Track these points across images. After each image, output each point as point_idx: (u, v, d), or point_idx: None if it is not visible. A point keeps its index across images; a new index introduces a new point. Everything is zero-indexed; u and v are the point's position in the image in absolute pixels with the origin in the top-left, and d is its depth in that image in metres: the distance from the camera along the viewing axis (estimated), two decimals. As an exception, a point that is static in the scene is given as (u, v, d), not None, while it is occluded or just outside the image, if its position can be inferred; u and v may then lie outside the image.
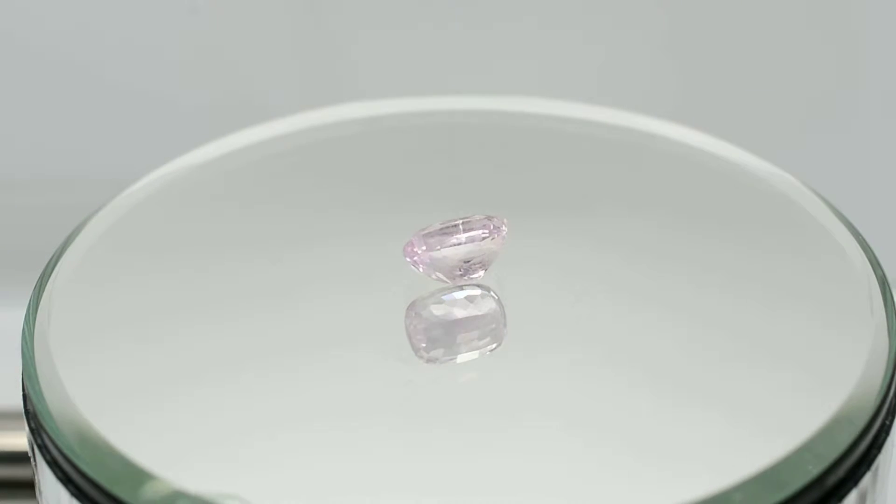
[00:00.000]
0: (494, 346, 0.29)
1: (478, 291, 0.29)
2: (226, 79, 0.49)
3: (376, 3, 0.48)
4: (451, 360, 0.28)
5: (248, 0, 0.48)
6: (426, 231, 0.30)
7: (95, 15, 0.48)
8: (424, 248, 0.30)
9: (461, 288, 0.29)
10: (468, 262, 0.30)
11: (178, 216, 0.33)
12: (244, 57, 0.49)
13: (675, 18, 0.48)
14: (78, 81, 0.49)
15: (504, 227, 0.30)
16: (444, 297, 0.29)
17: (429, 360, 0.28)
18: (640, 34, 0.48)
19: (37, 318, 0.29)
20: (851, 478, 0.27)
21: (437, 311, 0.29)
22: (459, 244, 0.30)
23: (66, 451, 0.26)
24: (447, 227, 0.30)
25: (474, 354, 0.28)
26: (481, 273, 0.30)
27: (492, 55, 0.49)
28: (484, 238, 0.30)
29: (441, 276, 0.30)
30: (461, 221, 0.30)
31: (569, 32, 0.48)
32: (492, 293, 0.29)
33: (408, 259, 0.30)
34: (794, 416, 0.27)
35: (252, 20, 0.48)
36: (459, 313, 0.29)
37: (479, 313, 0.29)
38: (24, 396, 0.28)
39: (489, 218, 0.30)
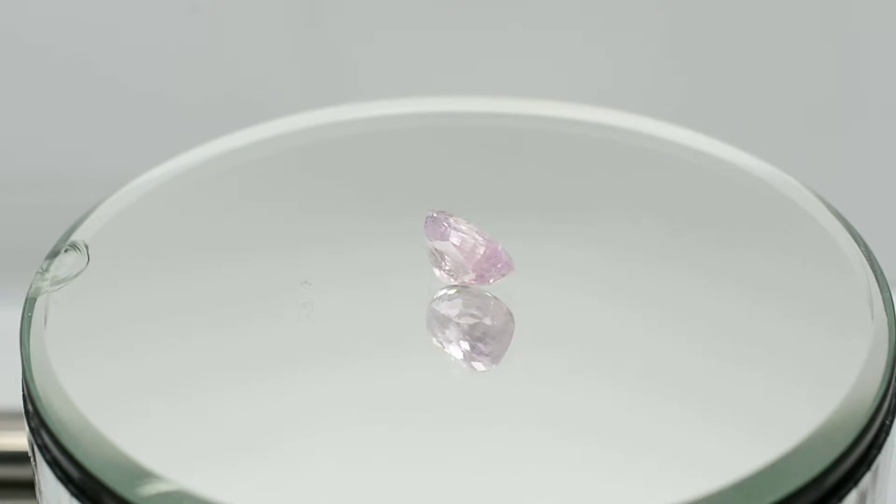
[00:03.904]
0: (485, 358, 0.29)
1: (474, 303, 0.29)
2: (226, 79, 0.49)
3: (376, 4, 0.48)
4: (449, 354, 0.29)
5: (248, 0, 0.48)
6: (437, 217, 0.30)
7: (95, 15, 0.48)
8: (426, 229, 0.30)
9: (474, 294, 0.30)
10: (444, 259, 0.30)
11: (176, 216, 0.33)
12: (244, 57, 0.49)
13: (676, 20, 0.48)
14: (78, 81, 0.49)
15: (497, 269, 0.30)
16: (440, 292, 0.29)
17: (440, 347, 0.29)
18: (641, 35, 0.48)
19: (34, 318, 0.29)
20: (851, 478, 0.27)
21: (436, 304, 0.29)
22: (444, 241, 0.30)
23: (66, 451, 0.26)
24: (446, 224, 0.30)
25: (460, 359, 0.29)
26: (461, 276, 0.30)
27: (492, 56, 0.49)
28: (476, 260, 0.30)
29: (445, 274, 0.30)
30: (473, 232, 0.30)
31: (569, 33, 0.48)
32: (488, 316, 0.29)
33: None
34: (795, 416, 0.27)
35: (252, 20, 0.48)
36: (449, 312, 0.29)
37: (459, 321, 0.29)
38: (24, 396, 0.28)
39: (493, 254, 0.30)
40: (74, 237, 0.31)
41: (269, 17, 0.48)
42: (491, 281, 0.30)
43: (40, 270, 0.28)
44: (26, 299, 0.30)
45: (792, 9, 0.48)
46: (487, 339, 0.29)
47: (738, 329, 0.29)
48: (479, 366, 0.28)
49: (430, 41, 0.48)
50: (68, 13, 0.48)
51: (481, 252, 0.29)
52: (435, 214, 0.30)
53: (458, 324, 0.29)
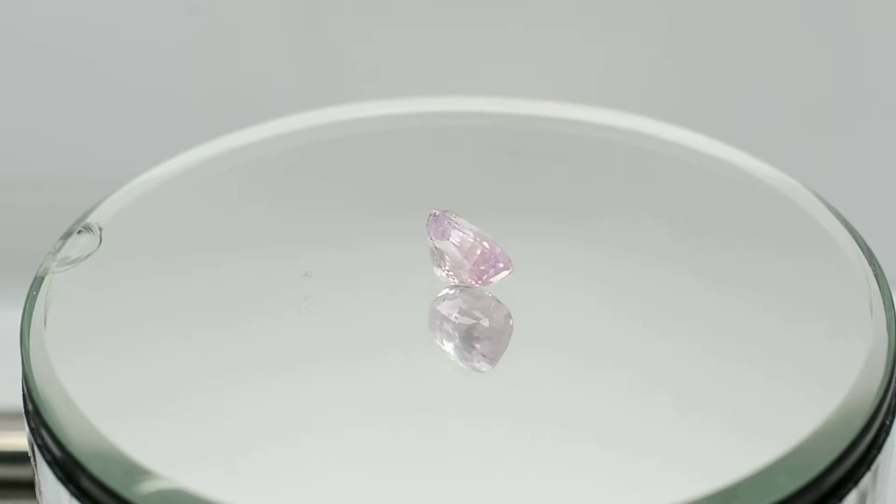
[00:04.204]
0: (481, 360, 0.29)
1: (474, 304, 0.29)
2: (226, 79, 0.49)
3: (376, 4, 0.48)
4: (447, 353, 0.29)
5: (248, 0, 0.48)
6: (439, 215, 0.30)
7: (95, 15, 0.48)
8: (429, 227, 0.30)
9: (475, 296, 0.30)
10: (443, 258, 0.30)
11: (176, 216, 0.33)
12: (244, 57, 0.49)
13: (676, 20, 0.48)
14: (78, 81, 0.49)
15: (495, 271, 0.30)
16: (442, 292, 0.30)
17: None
18: (641, 35, 0.48)
19: (34, 317, 0.29)
20: (851, 478, 0.27)
21: (437, 303, 0.29)
22: (444, 240, 0.30)
23: (66, 451, 0.26)
24: (447, 223, 0.30)
25: (458, 359, 0.29)
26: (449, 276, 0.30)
27: (492, 56, 0.49)
28: (472, 263, 0.30)
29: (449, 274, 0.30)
30: (473, 232, 0.30)
31: (569, 33, 0.48)
32: (486, 318, 0.29)
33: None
34: (795, 417, 0.27)
35: (252, 20, 0.48)
36: (448, 312, 0.29)
37: (457, 321, 0.29)
38: (24, 396, 0.28)
39: (490, 255, 0.30)
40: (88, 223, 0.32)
41: (269, 17, 0.48)
42: (490, 282, 0.30)
43: (52, 251, 0.28)
44: (34, 278, 0.30)
45: (792, 9, 0.48)
46: (484, 341, 0.29)
47: (738, 329, 0.29)
48: (474, 367, 0.28)
49: (429, 41, 0.48)
50: (68, 13, 0.48)
51: (478, 252, 0.29)
52: (437, 213, 0.30)
53: (455, 324, 0.29)
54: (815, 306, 0.30)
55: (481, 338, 0.29)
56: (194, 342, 0.29)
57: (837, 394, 0.27)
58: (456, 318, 0.29)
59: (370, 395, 0.28)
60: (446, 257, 0.30)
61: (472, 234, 0.30)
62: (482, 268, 0.30)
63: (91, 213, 0.32)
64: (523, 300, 0.30)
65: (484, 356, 0.29)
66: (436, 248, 0.30)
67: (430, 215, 0.30)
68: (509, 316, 0.29)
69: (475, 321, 0.29)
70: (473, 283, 0.30)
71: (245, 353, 0.29)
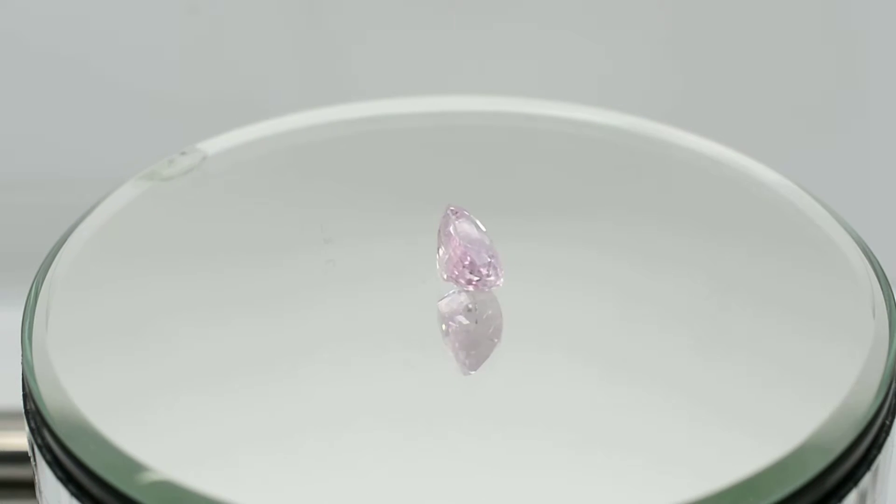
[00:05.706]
0: (465, 361, 0.29)
1: (473, 307, 0.30)
2: (225, 78, 0.49)
3: (376, 4, 0.48)
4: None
5: (248, 0, 0.48)
6: (447, 213, 0.30)
7: (95, 15, 0.48)
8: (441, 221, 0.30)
9: (475, 299, 0.30)
10: (442, 257, 0.30)
11: (174, 214, 0.33)
12: (244, 57, 0.49)
13: (676, 20, 0.48)
14: (78, 81, 0.49)
15: (475, 276, 0.30)
16: (448, 293, 0.30)
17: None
18: (641, 35, 0.48)
19: (35, 317, 0.29)
20: (851, 478, 0.27)
21: (440, 300, 0.29)
22: (443, 236, 0.30)
23: (66, 450, 0.26)
24: (451, 221, 0.30)
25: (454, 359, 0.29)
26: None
27: (492, 55, 0.49)
28: (466, 273, 0.30)
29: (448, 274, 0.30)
30: (469, 240, 0.30)
31: (569, 33, 0.48)
32: (469, 322, 0.29)
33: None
34: (795, 416, 0.27)
35: (252, 20, 0.48)
36: (444, 311, 0.29)
37: (451, 322, 0.29)
38: (25, 396, 0.28)
39: (466, 259, 0.30)
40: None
41: (269, 17, 0.48)
42: (469, 289, 0.30)
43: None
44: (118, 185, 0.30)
45: (791, 9, 0.48)
46: (467, 344, 0.29)
47: (738, 330, 0.29)
48: (460, 368, 0.29)
49: (429, 41, 0.48)
50: (68, 13, 0.48)
51: (458, 254, 0.29)
52: (449, 211, 0.30)
53: (449, 324, 0.29)
54: (816, 307, 0.30)
55: (466, 341, 0.29)
56: (194, 342, 0.29)
57: (837, 394, 0.27)
58: (449, 318, 0.29)
59: (371, 395, 0.28)
60: (443, 255, 0.30)
61: (468, 239, 0.30)
62: (458, 269, 0.30)
63: (90, 214, 0.32)
64: (522, 301, 0.30)
65: (466, 359, 0.29)
66: (439, 244, 0.30)
67: (445, 211, 0.30)
68: (500, 327, 0.29)
69: (464, 324, 0.29)
70: (451, 283, 0.30)
71: (246, 352, 0.29)
